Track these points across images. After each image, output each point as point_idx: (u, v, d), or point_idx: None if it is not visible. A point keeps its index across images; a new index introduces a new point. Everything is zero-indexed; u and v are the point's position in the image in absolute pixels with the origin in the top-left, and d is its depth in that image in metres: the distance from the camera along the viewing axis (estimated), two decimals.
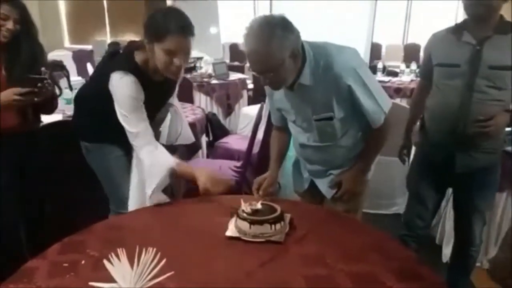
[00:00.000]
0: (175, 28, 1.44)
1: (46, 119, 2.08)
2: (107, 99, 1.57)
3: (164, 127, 1.98)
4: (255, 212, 1.27)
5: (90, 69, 4.31)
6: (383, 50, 8.52)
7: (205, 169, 1.59)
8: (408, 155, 2.04)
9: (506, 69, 1.54)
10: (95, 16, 9.24)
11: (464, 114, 1.60)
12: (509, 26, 1.57)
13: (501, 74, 1.55)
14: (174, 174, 1.57)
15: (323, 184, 1.65)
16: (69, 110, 2.82)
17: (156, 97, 1.69)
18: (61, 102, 3.23)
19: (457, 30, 1.65)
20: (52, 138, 2.03)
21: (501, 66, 1.54)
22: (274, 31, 1.24)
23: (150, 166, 1.54)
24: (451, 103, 1.63)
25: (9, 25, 1.69)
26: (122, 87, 1.54)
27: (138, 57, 1.58)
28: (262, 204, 1.31)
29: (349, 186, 1.57)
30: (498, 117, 1.58)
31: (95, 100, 1.70)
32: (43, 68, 1.77)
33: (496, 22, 1.57)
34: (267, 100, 1.77)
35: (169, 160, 1.57)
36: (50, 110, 1.99)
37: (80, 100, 1.88)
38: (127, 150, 1.71)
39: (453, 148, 1.68)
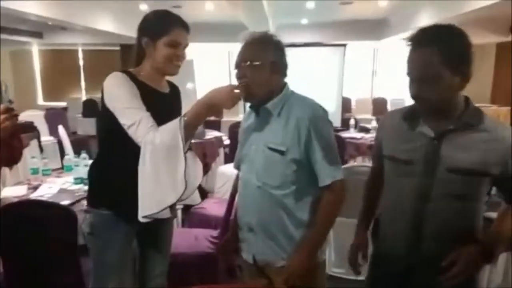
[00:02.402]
0: (179, 22, 1.56)
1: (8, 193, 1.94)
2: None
3: None
4: None
5: (61, 131, 4.19)
6: (353, 104, 8.90)
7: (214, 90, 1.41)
8: (365, 259, 1.52)
9: (470, 174, 1.17)
10: (70, 73, 9.28)
11: (418, 227, 1.24)
12: (477, 116, 1.20)
13: (464, 180, 1.18)
14: (189, 126, 1.41)
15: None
16: (35, 181, 2.73)
17: (159, 108, 1.51)
18: (28, 171, 3.14)
19: (412, 115, 1.29)
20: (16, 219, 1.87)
21: (464, 170, 1.17)
22: (269, 37, 1.46)
23: (166, 140, 1.38)
24: (403, 210, 1.27)
25: None
26: (111, 82, 1.51)
27: (132, 71, 1.58)
28: None
29: (294, 270, 1.38)
30: (464, 259, 1.14)
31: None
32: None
33: (461, 109, 1.21)
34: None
35: (175, 121, 1.41)
36: (11, 157, 1.63)
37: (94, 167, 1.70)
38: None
39: (409, 268, 1.29)
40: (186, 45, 1.58)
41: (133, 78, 1.53)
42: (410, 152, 1.25)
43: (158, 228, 1.70)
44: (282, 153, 1.39)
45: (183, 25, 1.56)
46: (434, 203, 1.21)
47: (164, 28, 1.53)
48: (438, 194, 1.20)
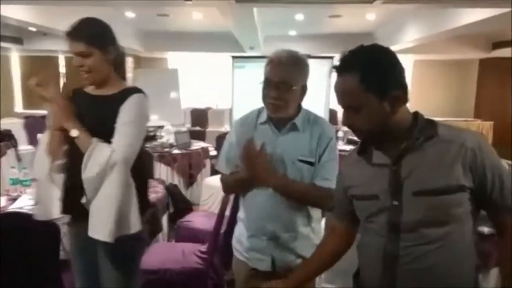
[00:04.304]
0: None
1: None
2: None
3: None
4: None
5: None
6: (339, 116, 8.96)
7: None
8: None
9: (439, 193, 1.02)
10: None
11: (392, 267, 1.08)
12: (429, 128, 1.08)
13: (435, 203, 1.03)
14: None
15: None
16: (14, 192, 2.58)
17: (84, 112, 1.56)
18: (7, 182, 2.96)
19: (365, 148, 1.17)
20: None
21: (430, 190, 1.03)
22: (304, 59, 1.52)
23: None
24: (377, 249, 1.12)
25: None
26: None
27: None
28: None
29: (257, 169, 1.45)
30: None
31: None
32: None
33: (409, 127, 1.09)
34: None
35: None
36: None
37: None
38: None
39: None
40: (73, 51, 1.59)
41: (80, 91, 1.63)
42: (374, 186, 1.12)
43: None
44: (311, 164, 1.52)
45: (66, 35, 1.59)
46: (406, 233, 1.06)
47: None
48: (408, 224, 1.05)
